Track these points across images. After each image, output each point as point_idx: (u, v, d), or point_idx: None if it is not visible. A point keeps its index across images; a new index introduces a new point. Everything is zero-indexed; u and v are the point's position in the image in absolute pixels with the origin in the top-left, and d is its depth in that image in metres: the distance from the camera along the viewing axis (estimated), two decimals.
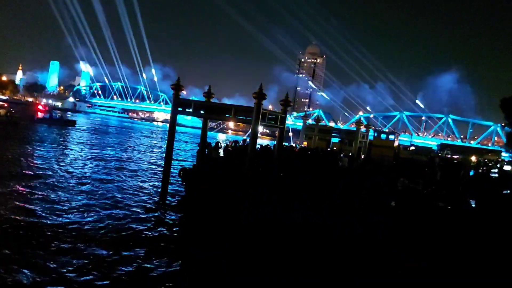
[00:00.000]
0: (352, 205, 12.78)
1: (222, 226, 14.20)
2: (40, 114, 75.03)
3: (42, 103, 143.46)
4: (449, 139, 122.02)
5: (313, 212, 12.33)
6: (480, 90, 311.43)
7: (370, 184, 15.79)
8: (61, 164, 27.74)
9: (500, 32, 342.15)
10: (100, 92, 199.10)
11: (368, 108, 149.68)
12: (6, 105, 68.40)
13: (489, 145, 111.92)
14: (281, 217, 12.67)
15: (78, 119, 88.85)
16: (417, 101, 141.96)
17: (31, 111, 76.59)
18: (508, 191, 14.97)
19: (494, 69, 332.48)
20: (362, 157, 30.01)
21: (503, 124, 74.30)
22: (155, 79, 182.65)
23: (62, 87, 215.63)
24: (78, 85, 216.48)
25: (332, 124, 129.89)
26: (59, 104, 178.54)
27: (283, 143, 20.22)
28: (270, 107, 53.70)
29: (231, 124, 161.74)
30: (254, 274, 10.78)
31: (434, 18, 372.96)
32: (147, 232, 14.69)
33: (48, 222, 14.37)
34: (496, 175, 27.04)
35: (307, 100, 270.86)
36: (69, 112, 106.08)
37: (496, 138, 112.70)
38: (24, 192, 18.22)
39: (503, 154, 78.26)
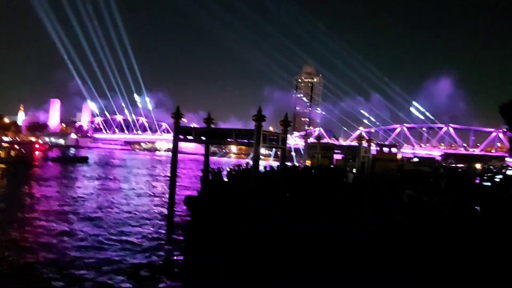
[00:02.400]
0: (354, 212, 12.80)
1: (224, 238, 14.25)
2: (38, 153, 76.01)
3: (41, 142, 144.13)
4: (452, 148, 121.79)
5: (315, 223, 12.33)
6: (475, 97, 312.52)
7: (375, 198, 15.77)
8: (70, 200, 28.02)
9: (494, 38, 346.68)
10: (101, 126, 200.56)
11: (368, 122, 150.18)
12: (17, 146, 69.35)
13: (493, 151, 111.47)
14: (283, 229, 12.68)
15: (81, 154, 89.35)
16: (416, 112, 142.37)
17: (34, 150, 77.40)
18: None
19: (488, 75, 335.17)
20: (366, 171, 29.99)
21: (504, 130, 74.46)
22: (150, 107, 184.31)
23: (64, 124, 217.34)
24: (80, 121, 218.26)
25: (333, 141, 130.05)
26: (61, 141, 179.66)
27: (286, 163, 20.30)
28: (270, 128, 53.92)
29: (233, 148, 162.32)
30: (252, 276, 10.93)
31: (429, 25, 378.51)
32: (155, 262, 14.70)
33: (67, 255, 14.42)
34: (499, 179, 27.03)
35: (306, 119, 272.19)
36: (72, 149, 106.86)
37: (499, 144, 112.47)
38: (34, 227, 18.26)
39: (507, 159, 77.87)
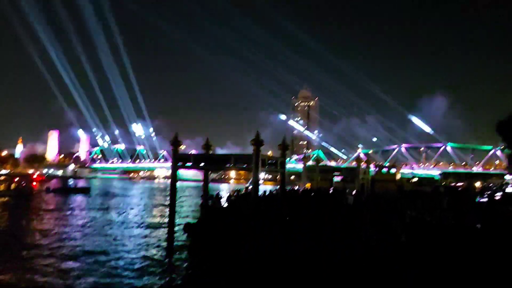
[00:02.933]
0: (353, 229, 12.74)
1: (224, 259, 14.11)
2: (36, 184, 75.68)
3: (38, 174, 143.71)
4: (451, 167, 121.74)
5: (315, 240, 12.24)
6: (471, 115, 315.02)
7: (376, 214, 15.68)
8: (69, 230, 27.92)
9: (488, 57, 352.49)
10: (99, 156, 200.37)
11: (366, 143, 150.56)
12: (17, 178, 69.13)
13: (491, 169, 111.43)
14: (283, 247, 12.55)
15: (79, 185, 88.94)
16: (414, 129, 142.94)
17: (32, 182, 77.07)
18: None
19: (482, 94, 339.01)
20: (366, 193, 29.88)
21: (502, 147, 74.78)
22: (150, 134, 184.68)
23: (62, 156, 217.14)
24: (78, 151, 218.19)
25: (332, 163, 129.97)
26: (59, 172, 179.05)
27: (286, 187, 20.25)
28: (269, 152, 53.98)
29: (232, 173, 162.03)
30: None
31: (424, 45, 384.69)
32: (155, 285, 14.62)
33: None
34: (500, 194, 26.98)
35: (305, 143, 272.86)
36: (71, 179, 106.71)
37: (497, 162, 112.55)
38: (32, 260, 18.01)
39: (506, 177, 77.81)
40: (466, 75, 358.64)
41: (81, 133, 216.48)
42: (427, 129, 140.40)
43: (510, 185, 51.10)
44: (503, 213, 15.57)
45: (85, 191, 68.33)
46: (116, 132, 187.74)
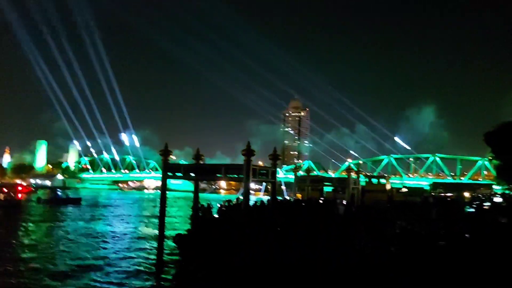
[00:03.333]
0: (348, 237, 12.76)
1: (217, 268, 14.00)
2: (22, 195, 74.66)
3: (25, 184, 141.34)
4: (440, 177, 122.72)
5: (310, 248, 12.23)
6: (458, 126, 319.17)
7: (368, 223, 15.72)
8: (57, 242, 27.56)
9: (473, 69, 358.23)
10: (89, 166, 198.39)
11: (356, 154, 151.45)
12: (5, 189, 67.96)
13: (480, 179, 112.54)
14: (278, 255, 12.51)
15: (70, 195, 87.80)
16: (401, 142, 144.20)
17: (17, 193, 75.68)
18: (504, 220, 15.10)
19: (468, 105, 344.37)
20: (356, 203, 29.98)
21: (490, 158, 75.58)
22: (137, 145, 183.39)
23: (50, 166, 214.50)
24: (66, 161, 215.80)
25: (323, 173, 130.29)
26: (47, 182, 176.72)
27: (277, 197, 20.24)
28: (260, 162, 53.98)
29: (223, 183, 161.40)
30: None
31: (411, 57, 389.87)
32: None
33: None
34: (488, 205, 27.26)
35: (295, 153, 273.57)
36: (59, 190, 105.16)
37: (485, 172, 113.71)
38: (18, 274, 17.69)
39: (495, 187, 78.67)
40: (453, 87, 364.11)
41: (70, 143, 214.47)
42: (408, 147, 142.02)
43: (498, 195, 51.65)
44: (491, 223, 15.76)
45: (77, 202, 67.63)
46: (106, 142, 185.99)
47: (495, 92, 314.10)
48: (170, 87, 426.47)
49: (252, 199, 21.34)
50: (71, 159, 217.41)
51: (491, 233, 12.83)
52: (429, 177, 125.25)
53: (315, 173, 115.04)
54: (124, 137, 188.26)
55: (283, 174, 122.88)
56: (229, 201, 22.08)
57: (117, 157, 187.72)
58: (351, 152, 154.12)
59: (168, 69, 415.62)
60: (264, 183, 75.30)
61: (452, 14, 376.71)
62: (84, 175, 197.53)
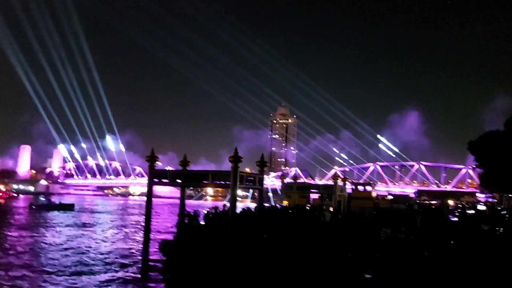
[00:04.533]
0: (337, 245, 12.82)
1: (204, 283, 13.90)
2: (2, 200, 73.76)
3: (4, 189, 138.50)
4: (424, 185, 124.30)
5: (298, 258, 12.24)
6: (442, 135, 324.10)
7: (353, 237, 15.79)
8: (42, 248, 27.44)
9: (459, 77, 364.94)
10: (73, 172, 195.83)
11: (342, 161, 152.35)
12: None
13: (464, 187, 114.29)
14: (263, 266, 12.47)
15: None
16: (385, 149, 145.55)
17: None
18: (486, 227, 15.33)
19: (453, 114, 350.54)
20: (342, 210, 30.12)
21: (473, 166, 76.95)
22: (123, 150, 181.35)
23: (34, 171, 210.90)
24: (50, 167, 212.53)
25: (309, 180, 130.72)
26: (31, 188, 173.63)
27: (264, 204, 20.24)
28: (247, 169, 53.90)
29: (209, 190, 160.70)
30: None
31: (396, 65, 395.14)
32: None
33: None
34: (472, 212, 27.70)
35: (283, 160, 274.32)
36: (42, 196, 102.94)
37: (469, 180, 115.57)
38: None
39: (478, 195, 79.93)
40: (437, 96, 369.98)
41: (54, 148, 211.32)
42: (395, 148, 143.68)
43: (482, 203, 52.51)
44: (474, 231, 15.96)
45: (70, 207, 67.33)
46: (91, 147, 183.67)
47: (477, 100, 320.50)
48: (154, 91, 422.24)
49: (239, 206, 21.29)
50: (55, 164, 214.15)
51: (474, 241, 13.01)
52: (414, 184, 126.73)
53: (302, 180, 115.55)
54: (109, 142, 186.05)
55: (270, 181, 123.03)
56: (215, 208, 21.98)
57: (102, 163, 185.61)
58: (338, 159, 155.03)
59: (153, 72, 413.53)
60: (251, 190, 75.31)
61: (438, 23, 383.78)
62: (68, 181, 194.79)
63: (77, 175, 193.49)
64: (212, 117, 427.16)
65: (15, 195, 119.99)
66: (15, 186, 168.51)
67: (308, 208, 26.72)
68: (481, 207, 43.61)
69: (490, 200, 61.21)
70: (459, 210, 37.00)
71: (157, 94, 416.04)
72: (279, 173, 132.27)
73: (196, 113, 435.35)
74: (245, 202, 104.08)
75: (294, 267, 12.16)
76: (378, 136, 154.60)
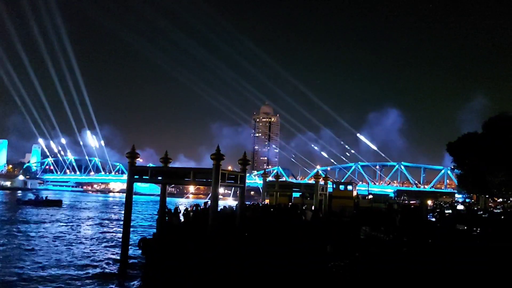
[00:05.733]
0: (316, 244, 12.90)
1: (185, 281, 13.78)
2: None
3: None
4: (404, 185, 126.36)
5: (285, 258, 12.27)
6: (422, 136, 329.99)
7: (334, 235, 15.90)
8: (21, 241, 27.08)
9: (438, 79, 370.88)
10: (52, 167, 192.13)
11: (324, 161, 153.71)
12: None
13: (442, 188, 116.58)
14: (243, 264, 12.46)
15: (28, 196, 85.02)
16: (367, 141, 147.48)
17: None
18: (464, 227, 15.62)
19: (432, 115, 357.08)
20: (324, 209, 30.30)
21: (452, 167, 78.45)
22: (103, 145, 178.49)
23: (11, 166, 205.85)
24: (28, 162, 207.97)
25: (292, 179, 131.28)
26: (7, 183, 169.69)
27: (246, 202, 20.17)
28: (229, 167, 53.72)
29: (191, 188, 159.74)
30: None
31: (376, 67, 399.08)
32: None
33: None
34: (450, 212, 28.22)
35: (265, 158, 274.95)
36: (19, 191, 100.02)
37: (448, 181, 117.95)
38: None
39: (456, 195, 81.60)
40: (415, 96, 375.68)
41: (32, 142, 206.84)
42: (373, 146, 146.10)
43: (459, 203, 53.60)
44: (452, 230, 16.24)
45: (57, 203, 67.53)
46: (70, 143, 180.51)
47: (455, 101, 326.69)
48: (132, 86, 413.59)
49: (221, 204, 21.18)
50: (33, 159, 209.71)
51: (452, 239, 13.24)
52: (394, 185, 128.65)
53: (284, 179, 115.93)
54: (89, 137, 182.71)
55: (252, 180, 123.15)
56: (196, 205, 21.83)
57: (80, 158, 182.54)
58: (320, 158, 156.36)
59: (132, 67, 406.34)
60: (233, 188, 75.08)
61: (418, 23, 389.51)
62: (47, 176, 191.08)
63: (56, 171, 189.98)
64: (191, 113, 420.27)
65: None
66: None
67: (289, 206, 26.82)
68: (459, 206, 44.52)
69: (468, 200, 62.55)
70: (438, 210, 37.66)
71: (135, 89, 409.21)
72: (262, 172, 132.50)
73: (175, 109, 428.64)
74: (227, 200, 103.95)
75: (277, 265, 12.17)
76: (358, 135, 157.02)
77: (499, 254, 11.69)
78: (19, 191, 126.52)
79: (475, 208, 42.06)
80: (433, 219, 25.96)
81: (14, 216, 47.76)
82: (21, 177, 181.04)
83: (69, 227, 39.47)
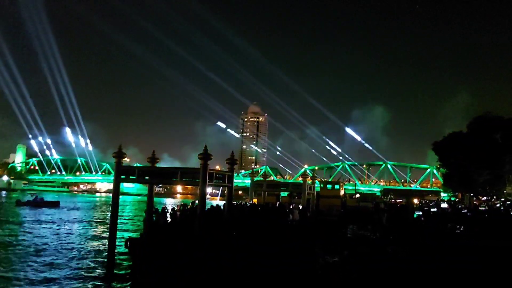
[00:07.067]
0: (302, 244, 12.96)
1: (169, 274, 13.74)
2: None
3: None
4: (390, 184, 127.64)
5: (265, 255, 12.31)
6: (407, 135, 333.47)
7: (322, 235, 16.00)
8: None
9: (424, 80, 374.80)
10: (37, 167, 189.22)
11: (312, 160, 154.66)
12: None
13: (428, 186, 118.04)
14: (231, 263, 12.47)
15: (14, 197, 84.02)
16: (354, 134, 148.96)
17: None
18: (449, 225, 15.87)
19: (418, 116, 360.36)
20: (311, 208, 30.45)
21: (437, 166, 79.62)
22: (90, 147, 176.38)
23: None
24: (13, 162, 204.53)
25: (279, 178, 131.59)
26: None
27: (233, 202, 20.15)
28: (217, 167, 53.65)
29: (178, 187, 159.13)
30: None
31: (363, 66, 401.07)
32: None
33: None
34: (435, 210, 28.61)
35: (253, 158, 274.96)
36: (4, 192, 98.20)
37: (434, 180, 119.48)
38: None
39: (442, 194, 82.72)
40: (400, 94, 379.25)
41: (17, 142, 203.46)
42: (358, 138, 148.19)
43: (445, 201, 54.34)
44: (437, 228, 16.47)
45: (55, 205, 69.22)
46: (54, 142, 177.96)
47: (439, 99, 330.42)
48: (117, 85, 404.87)
49: (209, 203, 21.12)
50: (18, 159, 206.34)
51: (437, 238, 13.44)
52: (381, 183, 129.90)
53: (271, 178, 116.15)
54: (73, 137, 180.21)
55: (240, 179, 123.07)
56: (184, 205, 21.74)
57: (67, 158, 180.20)
58: (308, 157, 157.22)
59: (116, 66, 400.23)
60: (221, 188, 75.02)
61: (404, 21, 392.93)
62: (32, 176, 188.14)
63: (41, 171, 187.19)
64: (175, 113, 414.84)
65: None
66: None
67: (276, 206, 26.89)
68: (444, 205, 45.14)
69: (453, 199, 63.48)
70: (424, 208, 38.16)
71: (118, 88, 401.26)
72: (250, 171, 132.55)
73: (160, 108, 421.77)
74: (215, 199, 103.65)
75: (267, 265, 12.19)
76: (346, 128, 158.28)
77: (484, 252, 11.92)
78: (3, 192, 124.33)
79: (460, 206, 42.69)
80: (420, 215, 26.29)
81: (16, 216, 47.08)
82: (5, 178, 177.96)
83: (53, 227, 39.04)
